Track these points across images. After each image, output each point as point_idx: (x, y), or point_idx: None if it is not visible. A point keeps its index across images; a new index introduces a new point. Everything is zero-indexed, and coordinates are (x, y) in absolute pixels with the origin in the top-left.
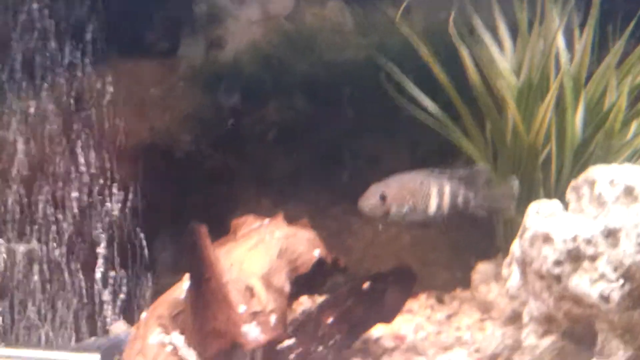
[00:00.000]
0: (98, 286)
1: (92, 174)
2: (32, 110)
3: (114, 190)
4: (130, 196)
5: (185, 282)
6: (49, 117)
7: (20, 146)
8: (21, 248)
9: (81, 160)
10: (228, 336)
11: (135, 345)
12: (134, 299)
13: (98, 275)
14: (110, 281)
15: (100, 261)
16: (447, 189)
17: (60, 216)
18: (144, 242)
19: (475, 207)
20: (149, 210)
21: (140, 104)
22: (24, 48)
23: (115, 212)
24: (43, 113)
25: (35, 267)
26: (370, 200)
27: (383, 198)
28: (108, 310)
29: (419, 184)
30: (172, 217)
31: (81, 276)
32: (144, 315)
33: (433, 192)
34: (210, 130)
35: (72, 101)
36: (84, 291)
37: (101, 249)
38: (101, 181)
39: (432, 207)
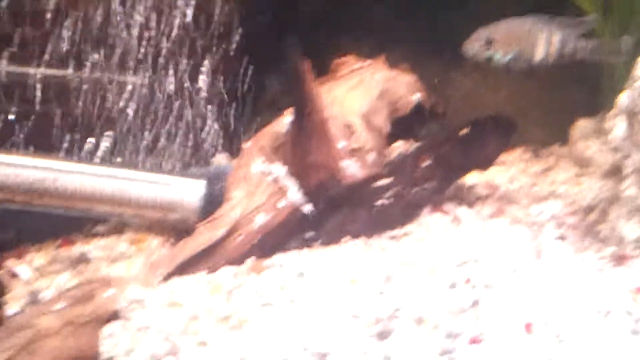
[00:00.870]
0: (203, 120)
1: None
2: None
3: (221, 29)
4: (237, 35)
5: (287, 116)
6: None
7: None
8: (132, 80)
9: None
10: (327, 169)
11: (239, 172)
12: (236, 133)
13: (203, 109)
14: (214, 115)
15: (205, 97)
16: (556, 38)
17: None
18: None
19: (583, 59)
20: (254, 50)
21: None
22: None
23: (222, 48)
24: None
25: (145, 100)
26: (474, 44)
27: (489, 42)
28: (211, 144)
29: (527, 30)
30: (274, 59)
31: (188, 110)
32: (247, 145)
33: (541, 40)
34: None
35: None
36: (190, 124)
37: (206, 84)
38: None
39: (539, 55)
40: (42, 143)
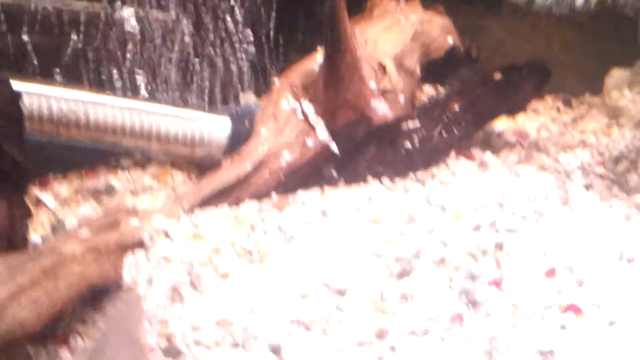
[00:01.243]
0: (231, 58)
1: None
2: None
3: None
4: None
5: (319, 55)
6: None
7: None
8: (159, 16)
9: None
10: (357, 109)
11: (267, 109)
12: (264, 72)
13: (231, 47)
14: (243, 54)
15: (233, 34)
16: None
17: None
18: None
19: (624, 7)
20: None
21: None
22: None
23: None
24: None
25: (175, 36)
26: None
27: None
28: (239, 82)
29: None
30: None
31: (216, 46)
32: (277, 82)
33: None
34: None
35: None
36: (218, 62)
37: (237, 24)
38: None
39: None
40: (72, 76)
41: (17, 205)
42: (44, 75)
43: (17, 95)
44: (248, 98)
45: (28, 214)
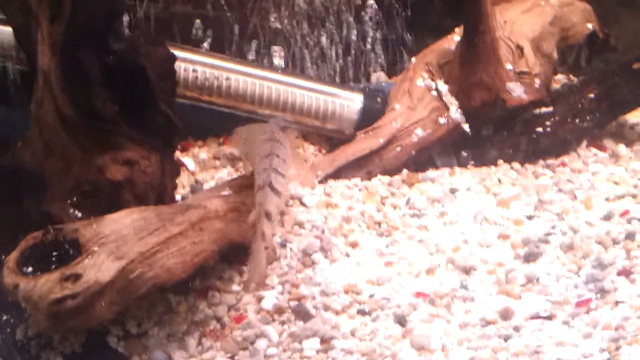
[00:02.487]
0: (364, 37)
1: None
2: None
3: None
4: None
5: (455, 36)
6: None
7: None
8: None
9: None
10: (493, 90)
11: (403, 85)
12: (396, 54)
13: (365, 28)
14: (374, 35)
15: (367, 14)
16: None
17: None
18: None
19: None
20: None
21: None
22: None
23: None
24: None
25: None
26: None
27: None
28: (371, 62)
29: None
30: None
31: (350, 25)
32: (413, 60)
33: None
34: None
35: None
36: (351, 42)
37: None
38: None
39: None
40: (215, 46)
41: (168, 161)
42: (190, 42)
43: (172, 57)
44: (379, 77)
45: (177, 171)
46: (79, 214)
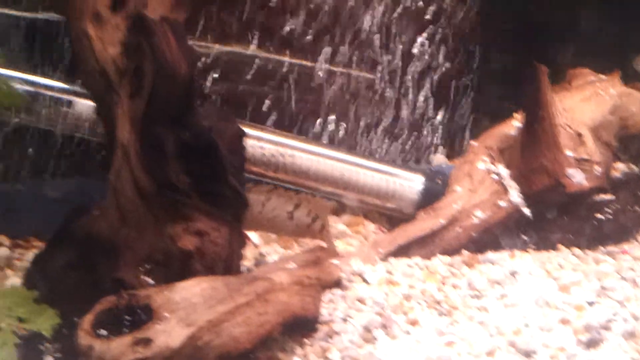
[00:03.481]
0: (422, 120)
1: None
2: None
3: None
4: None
5: (515, 120)
6: None
7: None
8: (361, 75)
9: None
10: (553, 175)
11: (463, 168)
12: (456, 137)
13: (423, 109)
14: (434, 116)
15: (428, 97)
16: None
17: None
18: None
19: None
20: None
21: None
22: None
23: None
24: None
25: (368, 94)
26: None
27: None
28: (431, 144)
29: None
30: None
31: (410, 105)
32: (474, 143)
33: None
34: None
35: None
36: (412, 120)
37: (432, 87)
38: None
39: None
40: (279, 122)
41: (236, 233)
42: (255, 119)
43: (242, 134)
44: (440, 159)
45: (243, 243)
46: (150, 281)
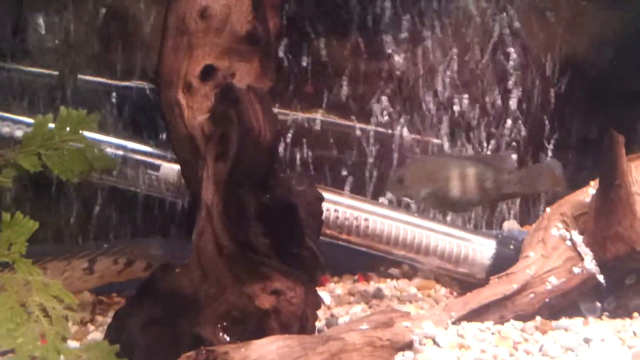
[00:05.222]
0: None
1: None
2: None
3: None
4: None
5: (591, 188)
6: None
7: None
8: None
9: None
10: (628, 243)
11: (537, 234)
12: (529, 204)
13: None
14: None
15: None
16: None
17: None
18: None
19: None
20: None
21: None
22: None
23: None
24: None
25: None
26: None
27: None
28: (504, 211)
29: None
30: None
31: None
32: (548, 210)
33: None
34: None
35: None
36: None
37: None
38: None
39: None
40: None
41: (311, 294)
42: (335, 185)
43: (320, 198)
44: (512, 225)
45: (318, 303)
46: (227, 338)
